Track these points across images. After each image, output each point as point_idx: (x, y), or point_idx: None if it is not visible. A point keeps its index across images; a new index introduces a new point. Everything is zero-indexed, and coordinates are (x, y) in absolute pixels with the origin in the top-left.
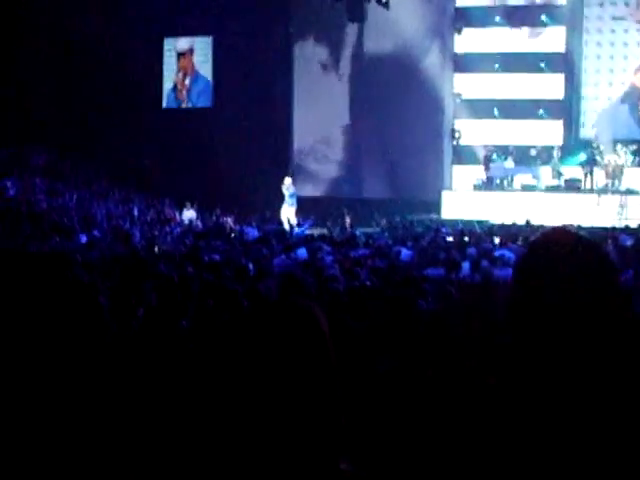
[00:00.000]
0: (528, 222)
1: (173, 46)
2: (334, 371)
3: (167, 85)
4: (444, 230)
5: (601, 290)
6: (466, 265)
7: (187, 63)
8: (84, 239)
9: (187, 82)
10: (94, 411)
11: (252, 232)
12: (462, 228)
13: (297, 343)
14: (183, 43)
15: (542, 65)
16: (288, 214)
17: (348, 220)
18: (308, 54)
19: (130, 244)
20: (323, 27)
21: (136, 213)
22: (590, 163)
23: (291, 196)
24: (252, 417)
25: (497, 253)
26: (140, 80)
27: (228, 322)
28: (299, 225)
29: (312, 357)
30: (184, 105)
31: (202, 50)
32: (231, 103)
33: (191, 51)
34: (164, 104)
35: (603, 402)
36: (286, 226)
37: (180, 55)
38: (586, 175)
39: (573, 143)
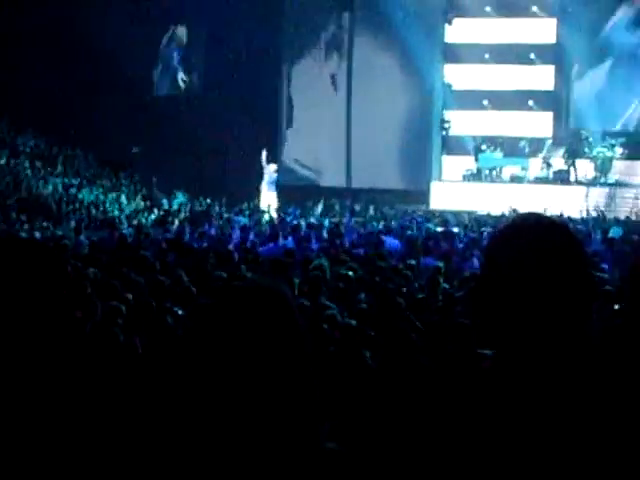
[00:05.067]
0: (515, 211)
1: (170, 35)
2: (306, 348)
3: (158, 72)
4: (419, 219)
5: (567, 271)
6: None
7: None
8: (72, 225)
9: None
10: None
11: (241, 220)
12: (448, 218)
13: (266, 323)
14: (181, 33)
15: (532, 56)
16: (269, 200)
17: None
18: (298, 44)
19: (117, 231)
20: (313, 16)
21: (124, 200)
22: (572, 154)
23: (273, 182)
24: (229, 401)
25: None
26: (132, 67)
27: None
28: (286, 213)
29: (283, 336)
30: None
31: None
32: (220, 92)
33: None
34: (156, 92)
35: (566, 388)
36: (271, 213)
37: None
38: (569, 167)
39: (563, 135)
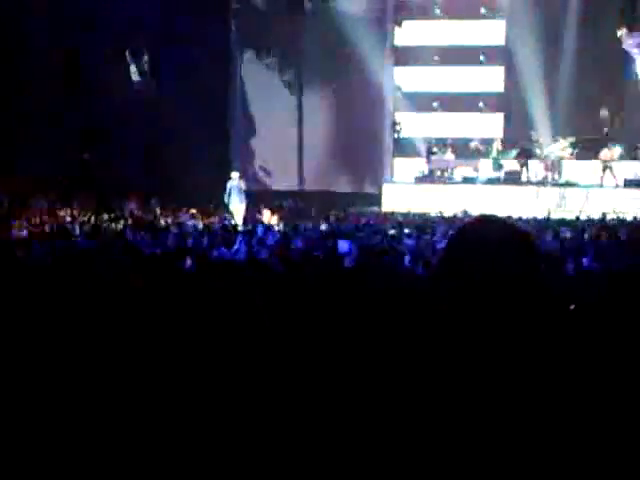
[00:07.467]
0: (466, 212)
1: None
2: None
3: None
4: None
5: (524, 275)
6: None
7: None
8: (24, 233)
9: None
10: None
11: (194, 225)
12: (401, 220)
13: (236, 326)
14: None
15: (482, 58)
16: (241, 211)
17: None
18: (249, 49)
19: (70, 239)
20: (264, 21)
21: (76, 207)
22: (525, 155)
23: (241, 191)
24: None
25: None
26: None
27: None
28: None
29: (249, 335)
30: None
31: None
32: (175, 97)
33: None
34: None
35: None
36: (240, 222)
37: None
38: (522, 167)
39: (513, 136)
